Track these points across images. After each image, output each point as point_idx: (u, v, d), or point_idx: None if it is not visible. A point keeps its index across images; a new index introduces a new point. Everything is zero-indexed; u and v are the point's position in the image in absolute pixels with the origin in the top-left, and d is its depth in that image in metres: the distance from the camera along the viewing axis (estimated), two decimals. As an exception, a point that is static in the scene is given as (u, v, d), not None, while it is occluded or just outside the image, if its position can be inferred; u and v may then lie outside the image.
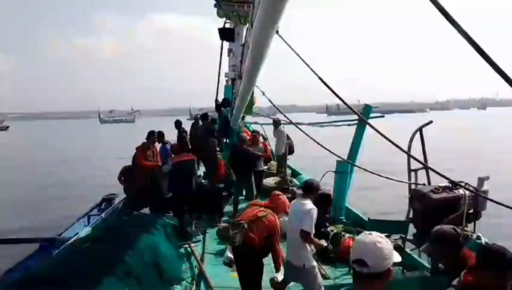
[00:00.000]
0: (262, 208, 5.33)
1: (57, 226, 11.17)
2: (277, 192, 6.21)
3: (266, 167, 12.22)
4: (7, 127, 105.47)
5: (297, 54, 4.08)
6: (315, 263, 5.22)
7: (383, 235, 2.17)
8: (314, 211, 5.03)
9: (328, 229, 8.18)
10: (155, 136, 10.21)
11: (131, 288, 5.25)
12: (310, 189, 5.25)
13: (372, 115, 9.00)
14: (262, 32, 4.02)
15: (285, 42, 4.00)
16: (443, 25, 2.11)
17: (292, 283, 5.42)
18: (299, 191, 9.34)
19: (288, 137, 12.43)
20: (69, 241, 7.38)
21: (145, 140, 10.22)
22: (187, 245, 7.89)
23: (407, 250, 6.80)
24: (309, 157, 18.45)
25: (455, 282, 2.60)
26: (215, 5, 13.65)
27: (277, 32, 3.95)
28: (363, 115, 8.21)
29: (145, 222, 7.19)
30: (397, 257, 2.12)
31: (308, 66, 4.06)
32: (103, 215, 10.24)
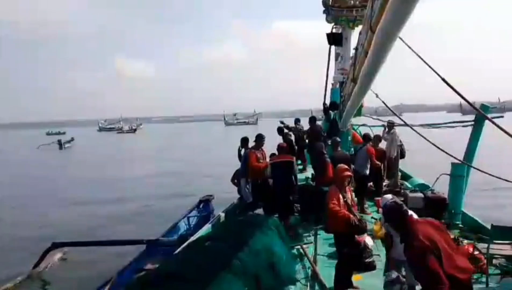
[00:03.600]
0: None
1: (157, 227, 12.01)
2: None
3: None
4: (135, 130, 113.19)
5: (419, 56, 4.03)
6: None
7: None
8: None
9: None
10: (263, 139, 10.24)
11: (249, 287, 5.37)
12: None
13: (492, 115, 8.49)
14: (385, 36, 3.99)
15: (407, 45, 3.98)
16: None
17: None
18: (412, 195, 9.11)
19: (400, 141, 12.10)
20: (189, 240, 7.74)
21: (254, 143, 10.32)
22: (299, 246, 7.97)
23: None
24: (423, 159, 17.77)
25: None
26: (324, 11, 13.81)
27: (399, 37, 3.92)
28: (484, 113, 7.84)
29: (260, 223, 7.25)
30: None
31: (430, 66, 3.99)
32: (220, 214, 10.54)
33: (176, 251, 7.41)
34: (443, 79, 4.00)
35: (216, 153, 40.24)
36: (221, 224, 9.29)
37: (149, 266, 8.69)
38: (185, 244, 7.21)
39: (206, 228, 9.04)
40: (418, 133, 7.68)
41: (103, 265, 10.63)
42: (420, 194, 8.93)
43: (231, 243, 6.07)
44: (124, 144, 70.52)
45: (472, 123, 9.20)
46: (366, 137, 11.19)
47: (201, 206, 12.80)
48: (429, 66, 3.98)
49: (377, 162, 10.29)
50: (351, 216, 5.87)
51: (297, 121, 14.59)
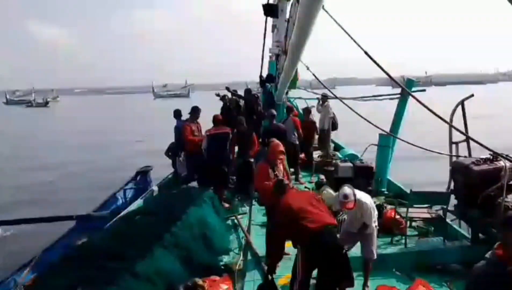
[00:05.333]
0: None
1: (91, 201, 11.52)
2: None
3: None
4: (47, 102, 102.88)
5: (343, 28, 4.19)
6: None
7: None
8: None
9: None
10: (199, 111, 10.21)
11: (181, 259, 5.47)
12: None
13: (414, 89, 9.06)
14: (308, 7, 4.12)
15: (331, 17, 4.13)
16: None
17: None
18: (342, 164, 9.59)
19: (332, 113, 12.59)
20: (107, 217, 7.54)
21: (189, 115, 10.29)
22: (233, 217, 8.19)
23: (448, 220, 6.96)
24: (353, 131, 18.37)
25: (488, 254, 2.56)
26: None
27: (323, 7, 4.07)
28: (407, 89, 8.34)
29: (194, 195, 7.30)
30: None
31: (353, 40, 4.20)
32: (153, 188, 10.54)
33: (106, 226, 7.33)
34: (366, 53, 4.22)
35: (140, 127, 39.29)
36: (153, 198, 9.27)
37: (78, 242, 8.43)
38: (115, 219, 7.10)
39: (138, 203, 8.99)
40: (348, 106, 8.03)
41: (29, 244, 10.05)
42: (349, 164, 9.36)
43: (163, 216, 6.13)
44: (28, 121, 62.21)
45: (398, 96, 9.73)
46: (288, 109, 11.67)
47: (138, 178, 12.40)
48: (352, 39, 4.16)
49: (301, 132, 10.63)
50: None
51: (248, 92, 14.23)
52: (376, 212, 5.39)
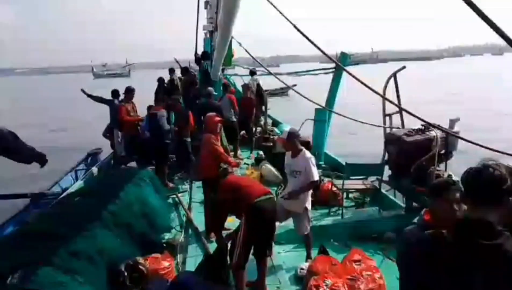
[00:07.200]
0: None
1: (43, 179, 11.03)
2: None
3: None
4: None
5: (272, 4, 4.11)
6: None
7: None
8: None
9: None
10: (133, 91, 10.24)
11: (121, 238, 5.35)
12: (291, 137, 5.42)
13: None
14: None
15: None
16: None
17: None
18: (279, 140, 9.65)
19: (259, 87, 12.63)
20: (60, 196, 7.48)
21: (123, 96, 10.39)
22: (174, 195, 8.16)
23: (383, 190, 7.18)
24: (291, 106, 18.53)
25: (416, 219, 2.72)
26: None
27: None
28: (341, 63, 8.42)
29: (133, 175, 7.20)
30: None
31: (283, 15, 4.13)
32: (92, 169, 10.37)
33: (45, 209, 7.13)
34: (295, 26, 4.16)
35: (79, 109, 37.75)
36: (92, 179, 9.11)
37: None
38: (55, 202, 6.90)
39: (78, 184, 8.79)
40: (282, 81, 8.03)
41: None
42: (286, 138, 9.47)
43: (102, 197, 5.97)
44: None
45: (333, 70, 9.86)
46: (224, 86, 11.81)
47: (89, 159, 12.50)
48: (281, 13, 4.11)
49: (237, 109, 10.66)
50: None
51: (172, 71, 14.19)
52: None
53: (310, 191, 5.41)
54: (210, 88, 10.10)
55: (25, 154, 4.36)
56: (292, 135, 5.38)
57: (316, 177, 5.22)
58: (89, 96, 11.33)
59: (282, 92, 33.91)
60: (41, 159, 4.57)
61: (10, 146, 4.14)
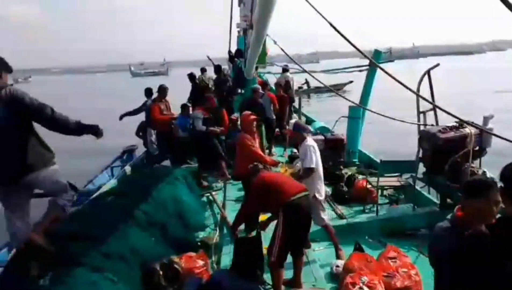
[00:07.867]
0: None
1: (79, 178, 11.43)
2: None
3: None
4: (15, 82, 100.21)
5: (310, 4, 4.16)
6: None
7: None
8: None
9: (343, 171, 8.58)
10: (166, 90, 10.37)
11: (155, 238, 5.43)
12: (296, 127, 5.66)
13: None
14: None
15: None
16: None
17: None
18: (313, 137, 9.71)
19: (288, 84, 12.79)
20: (93, 195, 7.54)
21: (156, 94, 10.48)
22: (208, 194, 8.23)
23: (417, 187, 7.16)
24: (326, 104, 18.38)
25: (449, 216, 2.70)
26: None
27: None
28: (375, 60, 8.45)
29: (167, 174, 7.22)
30: None
31: (318, 12, 4.18)
32: (126, 168, 10.51)
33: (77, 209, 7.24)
34: (331, 24, 4.20)
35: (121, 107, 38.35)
36: (125, 178, 9.14)
37: None
38: (88, 201, 6.97)
39: (111, 183, 8.85)
40: (316, 79, 8.06)
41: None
42: (321, 136, 9.48)
43: (135, 196, 6.02)
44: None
45: (367, 68, 9.85)
46: (262, 85, 11.67)
47: (124, 156, 12.64)
48: (319, 13, 4.16)
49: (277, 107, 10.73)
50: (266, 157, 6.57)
51: (203, 70, 14.43)
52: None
53: (320, 181, 5.47)
54: (256, 86, 10.26)
55: (71, 124, 4.27)
56: (297, 126, 5.61)
57: (310, 164, 5.24)
58: (123, 116, 11.22)
59: (337, 88, 33.90)
60: (94, 131, 4.46)
61: (50, 116, 4.06)
